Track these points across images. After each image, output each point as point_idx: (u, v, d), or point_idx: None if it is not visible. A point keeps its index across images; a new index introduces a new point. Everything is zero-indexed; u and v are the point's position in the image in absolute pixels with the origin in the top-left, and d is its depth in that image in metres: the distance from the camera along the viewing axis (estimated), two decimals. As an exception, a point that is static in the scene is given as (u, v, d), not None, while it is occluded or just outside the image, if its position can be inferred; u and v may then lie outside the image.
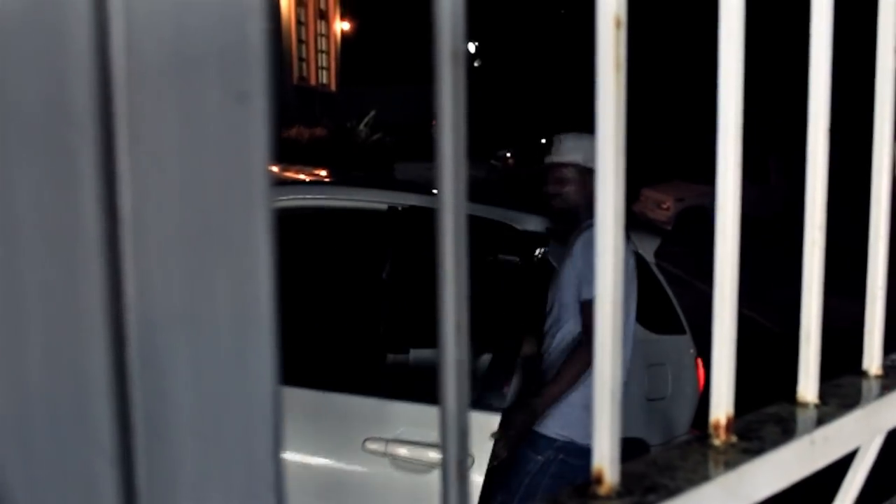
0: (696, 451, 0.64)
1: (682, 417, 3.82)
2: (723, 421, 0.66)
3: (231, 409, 0.36)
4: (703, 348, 3.99)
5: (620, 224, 0.56)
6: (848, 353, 1.16)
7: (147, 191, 0.34)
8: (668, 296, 3.91)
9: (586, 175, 2.98)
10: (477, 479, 2.62)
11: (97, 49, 0.34)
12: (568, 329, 2.89)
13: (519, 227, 3.63)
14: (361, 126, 15.14)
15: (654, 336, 3.74)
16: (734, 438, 0.66)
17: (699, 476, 0.60)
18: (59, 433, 0.34)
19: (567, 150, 3.03)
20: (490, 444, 2.56)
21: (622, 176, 0.56)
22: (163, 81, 0.34)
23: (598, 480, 0.57)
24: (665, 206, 15.57)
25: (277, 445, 0.37)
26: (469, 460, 2.66)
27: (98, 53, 0.34)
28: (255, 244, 0.36)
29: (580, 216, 3.00)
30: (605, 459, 0.56)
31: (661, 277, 3.90)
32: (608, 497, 0.56)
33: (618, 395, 0.57)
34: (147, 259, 0.34)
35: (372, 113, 15.44)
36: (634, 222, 4.02)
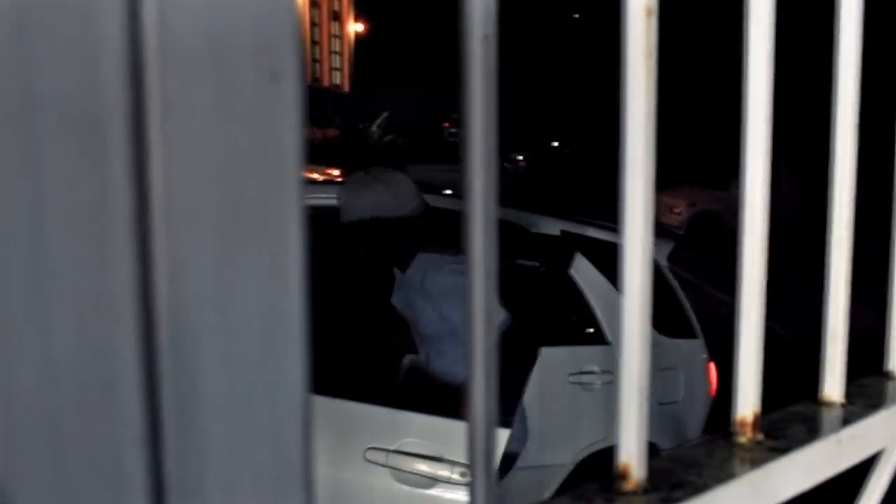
0: (721, 449, 0.63)
1: (694, 422, 3.79)
2: (749, 418, 0.65)
3: (261, 394, 0.36)
4: (716, 353, 3.97)
5: (650, 220, 0.55)
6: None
7: (178, 170, 0.33)
8: (681, 300, 3.89)
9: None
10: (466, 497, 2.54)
11: (129, 25, 0.33)
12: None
13: (532, 229, 3.62)
14: (374, 127, 15.17)
15: (666, 340, 3.72)
16: (760, 436, 0.66)
17: (725, 473, 0.59)
18: (88, 415, 0.33)
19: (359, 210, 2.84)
20: (496, 462, 2.49)
21: (651, 170, 0.55)
22: (195, 59, 0.34)
23: (624, 476, 0.56)
24: (677, 211, 15.52)
25: (307, 432, 0.37)
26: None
27: (130, 29, 0.33)
28: (286, 225, 0.35)
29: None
30: (632, 455, 0.56)
31: (673, 282, 3.88)
32: (634, 493, 0.55)
33: (645, 392, 0.56)
34: (177, 240, 0.33)
35: (384, 114, 15.47)
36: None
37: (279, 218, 0.35)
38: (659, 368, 3.65)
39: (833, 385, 0.75)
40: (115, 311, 0.33)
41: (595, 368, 3.44)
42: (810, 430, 0.68)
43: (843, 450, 0.69)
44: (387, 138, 14.97)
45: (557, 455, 3.29)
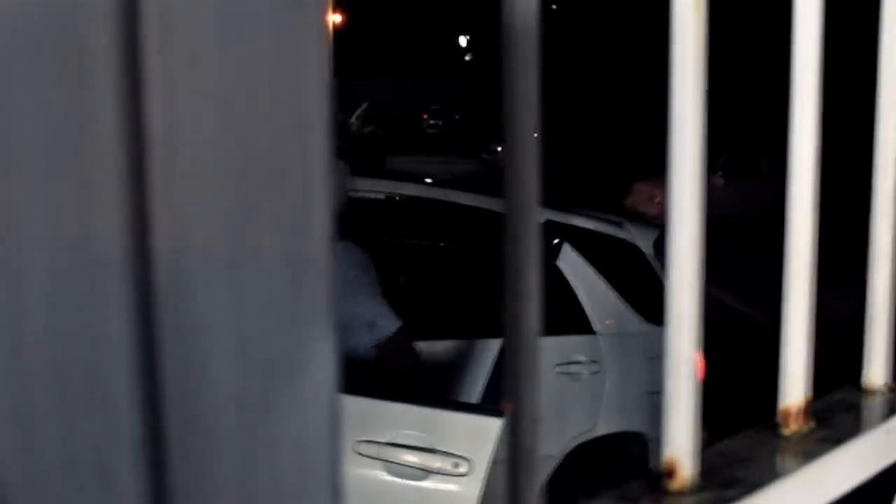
0: (768, 442, 0.58)
1: (682, 411, 3.78)
2: (793, 409, 0.60)
3: (282, 385, 0.30)
4: (701, 341, 3.94)
5: (700, 194, 0.50)
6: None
7: (180, 111, 0.27)
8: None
9: None
10: (460, 488, 2.50)
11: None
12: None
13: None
14: (353, 118, 15.22)
15: (653, 328, 3.69)
16: (806, 428, 0.60)
17: (777, 469, 0.54)
18: (69, 415, 0.27)
19: None
20: (490, 452, 2.46)
21: (702, 132, 0.49)
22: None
23: (671, 473, 0.50)
24: (657, 200, 15.49)
25: (336, 430, 0.30)
26: (466, 465, 2.58)
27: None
28: (310, 178, 0.29)
29: None
30: (681, 450, 0.50)
31: (660, 270, 3.87)
32: (682, 492, 0.50)
33: (695, 380, 0.50)
34: (179, 192, 0.27)
35: (363, 105, 15.52)
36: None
37: (301, 169, 0.29)
38: (646, 357, 3.63)
39: (876, 370, 0.70)
40: (102, 283, 0.27)
41: (582, 358, 3.45)
42: (857, 420, 0.63)
43: (892, 440, 0.64)
44: (366, 129, 14.99)
45: (546, 446, 3.26)
